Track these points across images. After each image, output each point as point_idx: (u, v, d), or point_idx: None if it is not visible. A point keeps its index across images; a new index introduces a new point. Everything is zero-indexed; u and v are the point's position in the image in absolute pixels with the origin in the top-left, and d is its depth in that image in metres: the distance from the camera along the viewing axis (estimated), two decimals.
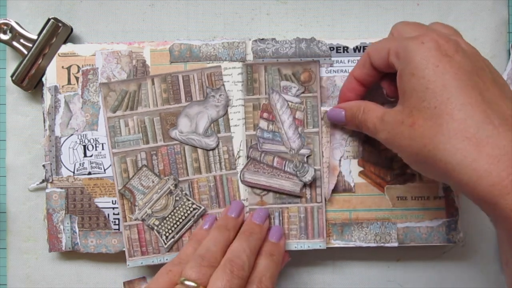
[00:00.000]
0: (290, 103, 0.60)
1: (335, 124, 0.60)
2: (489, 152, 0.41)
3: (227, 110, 0.60)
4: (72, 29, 0.61)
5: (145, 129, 0.60)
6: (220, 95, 0.59)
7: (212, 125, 0.60)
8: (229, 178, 0.60)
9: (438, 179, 0.48)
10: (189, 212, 0.60)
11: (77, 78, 0.60)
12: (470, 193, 0.42)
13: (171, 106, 0.60)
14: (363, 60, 0.54)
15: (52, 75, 0.60)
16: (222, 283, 0.48)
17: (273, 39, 0.60)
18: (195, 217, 0.60)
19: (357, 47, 0.60)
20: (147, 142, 0.60)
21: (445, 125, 0.43)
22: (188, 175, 0.60)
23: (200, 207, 0.60)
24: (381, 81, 0.56)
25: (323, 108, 0.60)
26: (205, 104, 0.60)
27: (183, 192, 0.60)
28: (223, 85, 0.60)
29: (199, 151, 0.60)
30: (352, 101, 0.57)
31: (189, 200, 0.60)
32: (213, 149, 0.60)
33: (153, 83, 0.60)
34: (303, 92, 0.60)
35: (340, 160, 0.61)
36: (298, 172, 0.59)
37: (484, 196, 0.41)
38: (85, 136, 0.61)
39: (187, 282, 0.49)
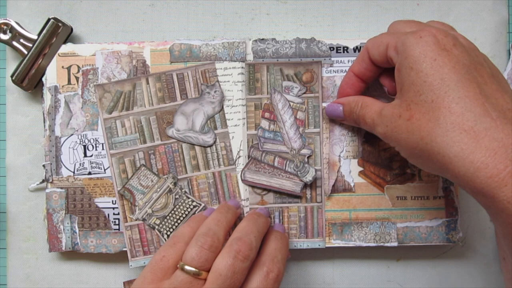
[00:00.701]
0: (291, 103, 0.60)
1: (334, 120, 0.60)
2: (487, 144, 0.41)
3: (222, 106, 0.60)
4: (72, 29, 0.61)
5: (141, 128, 0.60)
6: (215, 91, 0.59)
7: (208, 121, 0.60)
8: (228, 174, 0.60)
9: (435, 173, 0.48)
10: (189, 209, 0.60)
11: (77, 78, 0.60)
12: (468, 186, 0.42)
13: (167, 104, 0.60)
14: (362, 55, 0.55)
15: (52, 75, 0.60)
16: (226, 265, 0.48)
17: (273, 39, 0.60)
18: (197, 213, 0.60)
19: (357, 47, 0.60)
20: (144, 142, 0.60)
21: (442, 118, 0.43)
22: (186, 172, 0.60)
23: (200, 204, 0.60)
24: (381, 79, 0.56)
25: (323, 104, 0.60)
26: (200, 101, 0.60)
27: (183, 190, 0.60)
28: (218, 81, 0.60)
29: (197, 148, 0.60)
30: (350, 96, 0.57)
31: (188, 197, 0.60)
32: (210, 146, 0.60)
33: (147, 83, 0.60)
34: (304, 93, 0.60)
35: (339, 156, 0.61)
36: (299, 172, 0.59)
37: (481, 189, 0.41)
38: (85, 136, 0.61)
39: (187, 267, 0.48)
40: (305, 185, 0.60)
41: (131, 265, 0.60)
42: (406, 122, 0.46)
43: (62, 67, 0.60)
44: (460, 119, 0.43)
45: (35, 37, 0.60)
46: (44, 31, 0.60)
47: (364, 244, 0.60)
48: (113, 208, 0.61)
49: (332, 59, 0.60)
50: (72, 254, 0.63)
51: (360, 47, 0.60)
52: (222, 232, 0.51)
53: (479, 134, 0.42)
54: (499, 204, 0.41)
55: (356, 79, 0.56)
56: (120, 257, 0.62)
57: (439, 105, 0.44)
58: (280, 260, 0.51)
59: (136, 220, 0.60)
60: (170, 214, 0.60)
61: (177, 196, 0.60)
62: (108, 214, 0.61)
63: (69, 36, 0.61)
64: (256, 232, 0.52)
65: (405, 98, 0.47)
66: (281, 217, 0.60)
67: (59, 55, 0.60)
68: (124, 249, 0.60)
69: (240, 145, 0.60)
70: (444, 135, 0.43)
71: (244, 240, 0.49)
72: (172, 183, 0.60)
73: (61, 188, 0.61)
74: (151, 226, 0.60)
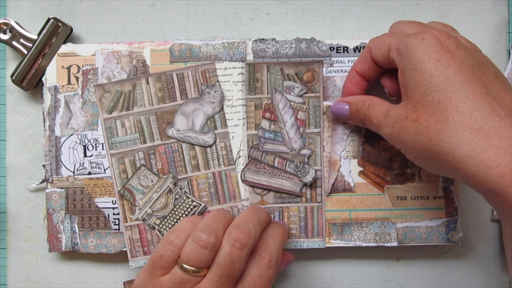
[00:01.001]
0: (292, 103, 0.60)
1: (338, 119, 0.60)
2: (497, 143, 0.41)
3: (222, 106, 0.60)
4: (72, 29, 0.61)
5: (141, 128, 0.60)
6: (215, 91, 0.59)
7: (208, 121, 0.60)
8: (228, 174, 0.60)
9: (443, 174, 0.48)
10: (189, 209, 0.60)
11: (77, 78, 0.60)
12: (478, 185, 0.42)
13: (167, 104, 0.60)
14: (364, 54, 0.55)
15: (52, 75, 0.60)
16: (224, 253, 0.48)
17: (273, 39, 0.60)
18: (196, 214, 0.60)
19: (357, 47, 0.60)
20: (144, 142, 0.60)
21: (450, 118, 0.43)
22: (186, 172, 0.60)
23: (200, 204, 0.60)
24: (382, 79, 0.56)
25: (326, 103, 0.60)
26: (200, 101, 0.60)
27: (183, 190, 0.60)
28: (218, 81, 0.60)
29: (197, 148, 0.60)
30: (357, 95, 0.56)
31: (188, 197, 0.60)
32: (210, 146, 0.60)
33: (147, 83, 0.60)
34: (306, 92, 0.60)
35: (340, 155, 0.61)
36: (298, 173, 0.59)
37: (493, 188, 0.41)
38: (85, 136, 0.61)
39: (185, 266, 0.48)
40: (305, 185, 0.60)
41: (131, 265, 0.60)
42: (413, 123, 0.46)
43: (62, 67, 0.60)
44: (469, 119, 0.43)
45: (35, 37, 0.60)
46: (44, 31, 0.60)
47: (364, 244, 0.60)
48: (113, 208, 0.61)
49: (332, 59, 0.60)
50: (72, 254, 0.63)
51: (361, 47, 0.60)
52: (221, 228, 0.50)
53: (488, 133, 0.42)
54: (511, 202, 0.41)
55: (359, 78, 0.56)
56: (120, 257, 0.62)
57: (447, 105, 0.44)
58: (273, 246, 0.51)
59: (136, 220, 0.60)
60: (170, 214, 0.60)
61: (177, 196, 0.60)
62: (108, 214, 0.61)
63: (69, 36, 0.61)
64: (256, 220, 0.52)
65: (411, 99, 0.47)
66: (281, 217, 0.60)
67: (59, 55, 0.60)
68: (124, 249, 0.60)
69: (240, 145, 0.60)
70: (453, 135, 0.43)
71: (242, 228, 0.49)
72: (172, 183, 0.60)
73: (61, 188, 0.61)
74: (151, 226, 0.60)
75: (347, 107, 0.56)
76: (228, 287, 0.49)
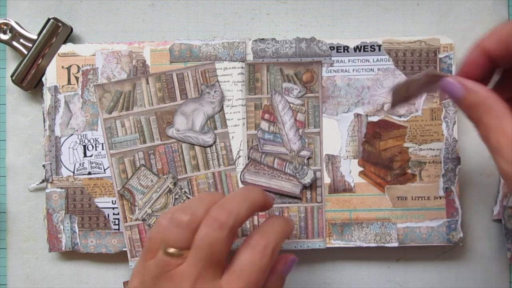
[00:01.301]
0: (291, 105, 0.60)
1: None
2: None
3: (222, 106, 0.60)
4: (72, 29, 0.61)
5: (141, 128, 0.60)
6: (215, 91, 0.59)
7: (208, 121, 0.60)
8: (228, 174, 0.60)
9: None
10: None
11: (77, 78, 0.60)
12: None
13: (167, 104, 0.60)
14: (499, 32, 0.43)
15: (52, 75, 0.60)
16: (201, 234, 0.43)
17: (273, 39, 0.60)
18: None
19: (357, 46, 0.60)
20: (144, 142, 0.60)
21: None
22: (186, 172, 0.60)
23: None
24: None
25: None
26: (200, 101, 0.60)
27: (183, 190, 0.60)
28: (218, 81, 0.60)
29: (197, 148, 0.60)
30: (480, 85, 0.43)
31: (188, 198, 0.60)
32: (210, 146, 0.60)
33: (147, 83, 0.60)
34: (304, 94, 0.60)
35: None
36: (297, 174, 0.59)
37: None
38: (85, 136, 0.61)
39: (166, 249, 0.43)
40: (305, 186, 0.60)
41: (131, 265, 0.60)
42: None
43: (62, 67, 0.60)
44: None
45: (35, 37, 0.60)
46: (44, 31, 0.60)
47: (364, 245, 0.60)
48: (113, 208, 0.61)
49: (332, 58, 0.60)
50: (72, 254, 0.63)
51: (361, 46, 0.60)
52: (201, 208, 0.45)
53: None
54: None
55: (485, 58, 0.44)
56: (120, 257, 0.62)
57: None
58: (271, 234, 0.46)
59: (136, 220, 0.60)
60: None
61: (177, 196, 0.60)
62: (108, 214, 0.61)
63: (69, 36, 0.61)
64: (242, 199, 0.46)
65: None
66: None
67: (59, 55, 0.60)
68: (124, 249, 0.60)
69: (240, 145, 0.60)
70: None
71: (223, 206, 0.44)
72: (172, 183, 0.60)
73: (61, 188, 0.61)
74: (151, 226, 0.60)
75: (462, 91, 0.43)
76: (212, 272, 0.43)
